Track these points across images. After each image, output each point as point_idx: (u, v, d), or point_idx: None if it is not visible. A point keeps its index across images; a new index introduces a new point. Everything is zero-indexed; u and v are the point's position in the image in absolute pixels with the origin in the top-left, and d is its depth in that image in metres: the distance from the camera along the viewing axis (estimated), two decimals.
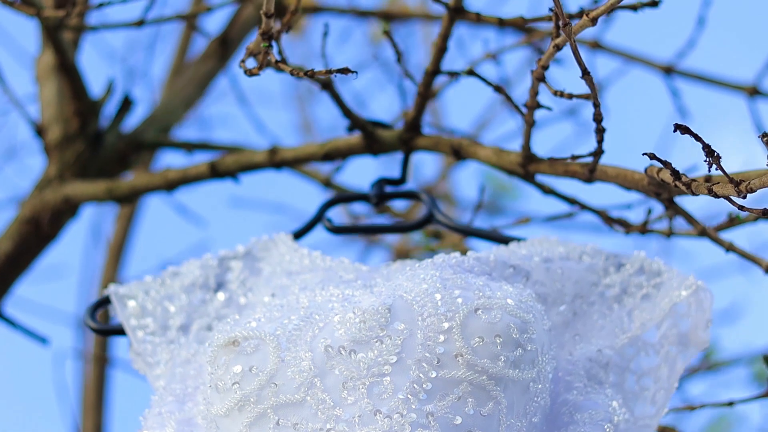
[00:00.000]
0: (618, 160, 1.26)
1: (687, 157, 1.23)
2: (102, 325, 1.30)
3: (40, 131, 1.80)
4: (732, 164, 1.04)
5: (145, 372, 1.26)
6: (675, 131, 0.96)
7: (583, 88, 1.13)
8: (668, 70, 1.93)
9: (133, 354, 1.27)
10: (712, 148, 0.95)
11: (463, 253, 1.64)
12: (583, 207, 1.41)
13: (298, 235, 1.36)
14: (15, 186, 2.64)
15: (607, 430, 1.10)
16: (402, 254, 2.24)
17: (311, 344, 1.05)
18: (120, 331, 1.29)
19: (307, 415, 1.02)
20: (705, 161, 0.96)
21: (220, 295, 1.29)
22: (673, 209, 1.29)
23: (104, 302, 1.31)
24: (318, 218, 1.39)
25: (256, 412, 1.04)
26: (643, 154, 1.06)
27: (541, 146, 1.33)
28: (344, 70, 1.12)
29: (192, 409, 1.16)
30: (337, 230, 1.40)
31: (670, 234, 1.38)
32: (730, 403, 1.39)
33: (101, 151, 1.78)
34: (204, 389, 1.16)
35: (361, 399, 1.02)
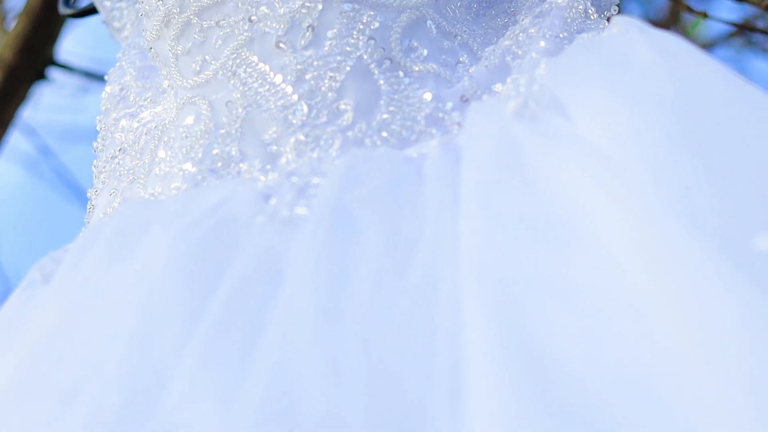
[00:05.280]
0: None
1: None
2: (75, 8, 1.28)
3: None
4: None
5: (118, 39, 1.23)
6: None
7: None
8: None
9: (107, 26, 1.24)
10: None
11: None
12: None
13: None
14: None
15: None
16: None
17: None
18: (95, 10, 1.27)
19: (228, 10, 0.97)
20: None
21: None
22: None
23: None
24: None
25: (181, 23, 0.98)
26: None
27: None
28: None
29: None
30: None
31: None
32: None
33: None
34: None
35: None
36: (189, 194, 0.85)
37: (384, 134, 0.87)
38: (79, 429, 0.63)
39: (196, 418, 0.62)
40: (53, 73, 1.81)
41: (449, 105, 0.88)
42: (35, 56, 1.78)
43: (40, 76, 1.79)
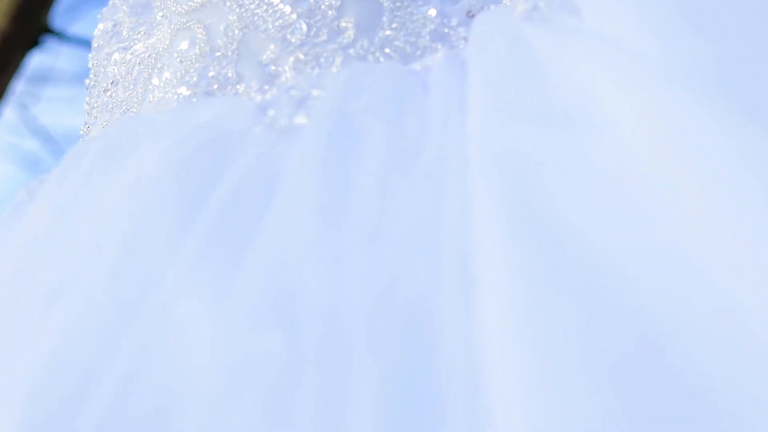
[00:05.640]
0: None
1: None
2: None
3: None
4: None
5: None
6: None
7: None
8: None
9: None
10: None
11: None
12: None
13: None
14: None
15: None
16: None
17: None
18: None
19: None
20: None
21: None
22: None
23: None
24: None
25: None
26: None
27: None
28: None
29: None
30: None
31: None
32: None
33: None
34: None
35: None
36: (182, 110, 0.81)
37: (387, 51, 0.84)
38: (62, 330, 0.59)
39: (189, 315, 0.58)
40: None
41: (454, 21, 0.85)
42: (28, 24, 1.74)
43: (34, 44, 1.75)
